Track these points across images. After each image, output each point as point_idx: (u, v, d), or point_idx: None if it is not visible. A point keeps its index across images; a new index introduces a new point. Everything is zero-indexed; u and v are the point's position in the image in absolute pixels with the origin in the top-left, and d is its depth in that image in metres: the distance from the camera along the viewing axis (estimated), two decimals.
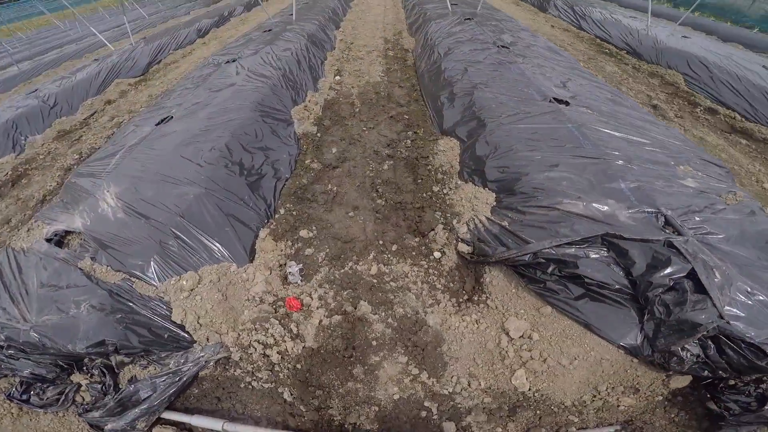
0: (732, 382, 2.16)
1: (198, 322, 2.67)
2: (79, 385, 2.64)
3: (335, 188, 3.98)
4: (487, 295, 2.82)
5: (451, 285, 2.98)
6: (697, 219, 2.65)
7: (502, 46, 5.85)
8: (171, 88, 6.39)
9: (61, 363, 2.59)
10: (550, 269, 2.54)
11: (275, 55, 6.31)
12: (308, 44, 7.20)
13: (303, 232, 3.41)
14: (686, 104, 6.09)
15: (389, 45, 8.64)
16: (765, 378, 2.10)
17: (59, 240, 3.19)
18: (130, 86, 8.31)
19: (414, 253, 3.20)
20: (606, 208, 2.72)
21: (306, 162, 4.33)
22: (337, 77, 6.90)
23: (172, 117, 4.60)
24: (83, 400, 2.64)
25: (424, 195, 3.67)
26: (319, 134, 4.99)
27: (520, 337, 2.57)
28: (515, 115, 3.81)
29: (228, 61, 6.31)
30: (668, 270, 2.27)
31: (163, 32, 11.17)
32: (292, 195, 3.81)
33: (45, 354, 2.50)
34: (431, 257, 3.14)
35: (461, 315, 2.76)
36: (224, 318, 2.74)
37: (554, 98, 4.13)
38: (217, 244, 3.07)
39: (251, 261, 3.12)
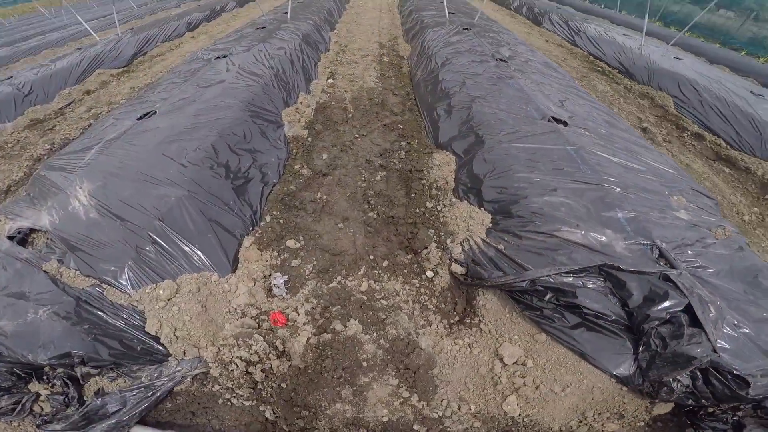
0: (711, 410, 2.24)
1: (174, 335, 2.50)
2: (38, 395, 2.42)
3: (325, 197, 3.83)
4: (480, 318, 2.72)
5: (443, 306, 2.88)
6: (690, 253, 2.66)
7: (501, 60, 5.82)
8: (156, 82, 6.12)
9: (18, 371, 2.38)
10: (548, 297, 2.47)
11: (268, 54, 6.12)
12: (302, 44, 7.04)
13: (290, 242, 3.25)
14: (674, 128, 6.18)
15: (384, 50, 8.55)
16: (742, 406, 2.16)
17: (23, 238, 2.96)
18: (112, 77, 7.95)
19: (406, 271, 3.09)
20: (603, 238, 2.67)
21: (295, 167, 4.17)
22: (330, 80, 6.75)
23: (155, 112, 4.37)
24: (42, 410, 2.43)
25: (418, 210, 3.56)
26: (309, 139, 4.84)
27: (514, 364, 2.50)
28: (514, 134, 3.75)
29: (218, 57, 6.08)
30: (666, 303, 2.28)
31: (151, 23, 10.79)
32: (279, 202, 3.64)
33: (0, 362, 2.29)
34: (423, 276, 3.03)
35: (453, 338, 2.66)
36: (203, 331, 2.56)
37: (553, 117, 4.10)
38: (198, 252, 2.89)
39: (234, 271, 2.95)
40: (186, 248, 2.87)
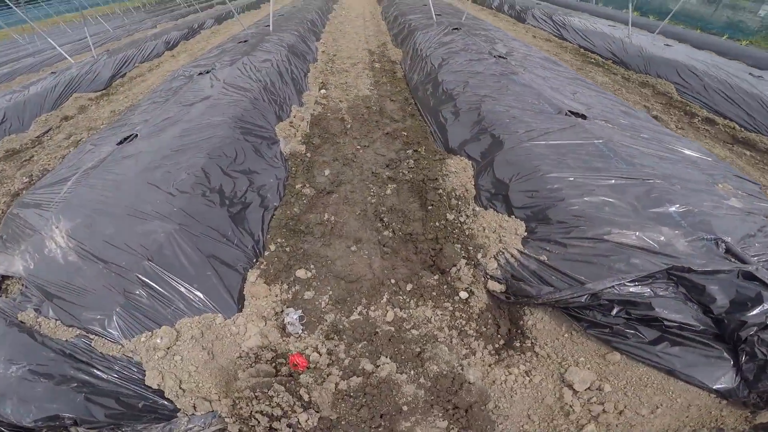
0: None
1: (180, 387, 2.17)
2: None
3: (333, 218, 3.47)
4: (532, 340, 2.36)
5: (484, 329, 2.52)
6: (757, 245, 2.35)
7: (500, 56, 5.55)
8: (136, 103, 5.73)
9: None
10: (615, 311, 2.13)
11: (254, 66, 5.78)
12: (289, 55, 6.72)
13: (300, 272, 2.88)
14: (683, 114, 5.95)
15: (375, 57, 8.27)
16: None
17: None
18: (90, 101, 7.55)
19: (435, 294, 2.72)
20: (662, 237, 2.35)
21: (296, 187, 3.80)
22: (323, 90, 6.43)
23: (137, 135, 3.98)
24: None
25: (437, 224, 3.21)
26: (308, 154, 4.48)
27: (587, 389, 2.15)
28: (533, 131, 3.44)
29: (201, 73, 5.72)
30: (764, 306, 1.97)
31: (128, 44, 10.43)
32: (283, 227, 3.26)
33: None
34: (456, 298, 2.68)
35: (505, 366, 2.30)
36: (214, 381, 2.22)
37: (570, 111, 3.80)
38: (197, 292, 2.51)
39: (240, 310, 2.56)
40: (182, 289, 2.48)
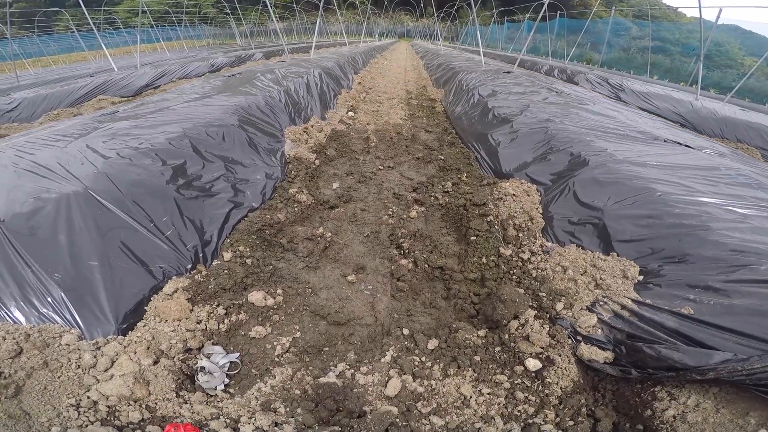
0: None
1: None
2: None
3: (329, 235, 2.45)
4: None
5: (570, 424, 1.32)
6: None
7: (559, 93, 4.72)
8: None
9: None
10: None
11: (281, 75, 5.19)
12: (322, 74, 6.16)
13: (256, 296, 1.80)
14: None
15: (412, 95, 7.68)
16: None
17: None
18: (112, 104, 7.23)
19: (479, 359, 1.57)
20: None
21: (291, 191, 2.84)
22: (351, 113, 5.72)
23: (117, 111, 3.24)
24: None
25: (484, 261, 2.12)
26: (317, 162, 3.58)
27: None
28: (628, 151, 2.43)
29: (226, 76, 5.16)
30: None
31: (173, 62, 10.56)
32: (254, 234, 2.25)
33: None
34: (519, 368, 1.52)
35: None
36: None
37: (669, 140, 2.79)
38: (56, 288, 1.48)
39: (123, 332, 1.50)
40: (31, 277, 1.47)
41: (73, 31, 18.26)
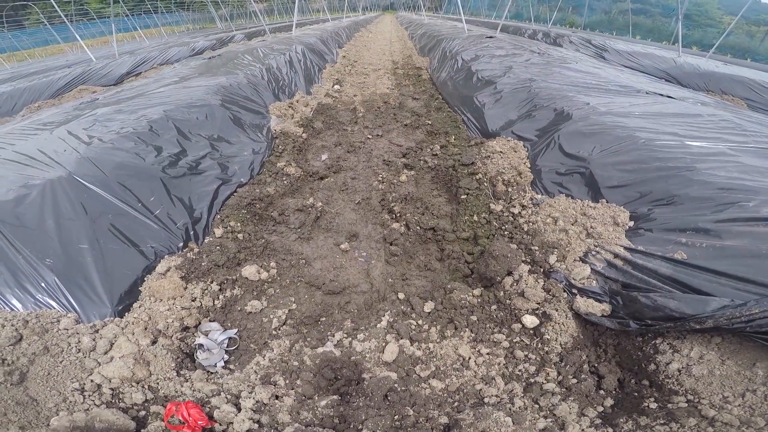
0: None
1: None
2: None
3: (320, 204, 2.48)
4: (688, 397, 1.23)
5: (574, 381, 1.40)
6: None
7: (541, 54, 4.67)
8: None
9: None
10: None
11: (262, 53, 5.08)
12: (305, 50, 6.04)
13: (249, 270, 1.84)
14: None
15: (398, 65, 7.56)
16: None
17: None
18: (94, 93, 7.09)
19: (476, 318, 1.64)
20: None
21: (279, 165, 2.85)
22: (337, 86, 5.64)
23: (97, 99, 3.19)
24: None
25: (476, 218, 2.17)
26: (305, 135, 3.57)
27: None
28: (611, 103, 2.45)
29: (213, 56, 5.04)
30: None
31: (152, 48, 10.29)
32: (243, 208, 2.27)
33: None
34: (516, 326, 1.58)
35: None
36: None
37: (651, 91, 2.80)
38: (49, 273, 1.53)
39: (119, 314, 1.56)
40: (22, 262, 1.50)
41: (45, 25, 17.66)
